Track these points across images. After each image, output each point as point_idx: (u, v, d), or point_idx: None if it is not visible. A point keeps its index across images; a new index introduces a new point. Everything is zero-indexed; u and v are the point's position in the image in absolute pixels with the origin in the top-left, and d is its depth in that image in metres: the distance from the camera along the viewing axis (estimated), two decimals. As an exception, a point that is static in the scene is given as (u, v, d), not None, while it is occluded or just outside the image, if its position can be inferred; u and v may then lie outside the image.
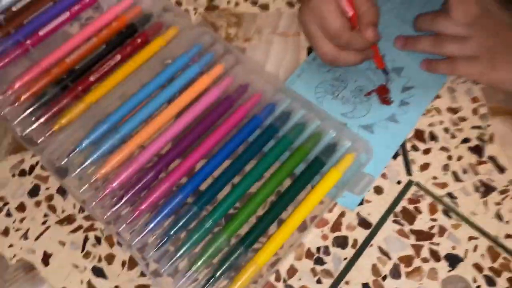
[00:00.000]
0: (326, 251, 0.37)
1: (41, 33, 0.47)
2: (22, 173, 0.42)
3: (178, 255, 0.36)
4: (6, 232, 0.39)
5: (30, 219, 0.39)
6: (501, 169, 0.39)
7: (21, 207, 0.40)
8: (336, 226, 0.38)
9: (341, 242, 0.37)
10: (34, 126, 0.42)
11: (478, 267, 0.36)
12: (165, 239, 0.36)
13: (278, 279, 0.36)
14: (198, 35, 0.46)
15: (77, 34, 0.47)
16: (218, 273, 0.35)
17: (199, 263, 0.35)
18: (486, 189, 0.39)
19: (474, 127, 0.41)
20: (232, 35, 0.48)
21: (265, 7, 0.49)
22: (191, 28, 0.46)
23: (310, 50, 0.46)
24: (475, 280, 0.35)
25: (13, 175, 0.41)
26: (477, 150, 0.40)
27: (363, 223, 0.38)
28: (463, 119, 0.42)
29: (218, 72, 0.44)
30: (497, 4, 0.41)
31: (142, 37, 0.46)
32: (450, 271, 0.36)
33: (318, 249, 0.37)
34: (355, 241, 0.37)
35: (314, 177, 0.39)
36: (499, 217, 0.37)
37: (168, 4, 0.48)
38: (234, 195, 0.38)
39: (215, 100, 0.43)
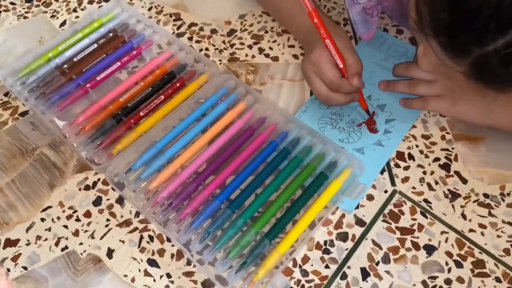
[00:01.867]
0: (332, 244, 0.47)
1: (98, 78, 0.59)
2: (87, 188, 0.52)
3: (216, 247, 0.45)
4: (76, 233, 0.48)
5: (95, 223, 0.49)
6: (464, 181, 0.51)
7: (88, 214, 0.50)
8: (339, 225, 0.48)
9: (343, 237, 0.47)
10: (96, 150, 0.52)
11: (449, 254, 0.46)
12: (206, 235, 0.46)
13: (295, 265, 0.46)
14: (224, 80, 0.58)
15: (128, 78, 0.59)
16: (249, 260, 0.44)
17: (233, 253, 0.45)
18: (453, 195, 0.50)
19: (442, 149, 0.53)
20: (251, 80, 0.60)
21: (275, 59, 0.62)
22: (219, 75, 0.58)
23: (312, 92, 0.59)
24: (447, 264, 0.45)
25: (80, 189, 0.51)
26: (445, 167, 0.52)
27: (359, 222, 0.48)
28: (433, 143, 0.54)
29: (241, 108, 0.56)
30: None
31: (179, 82, 0.58)
32: (427, 257, 0.46)
33: (325, 242, 0.47)
34: (354, 235, 0.47)
35: (319, 188, 0.49)
36: (463, 216, 0.48)
37: (199, 56, 0.61)
38: (258, 202, 0.48)
39: (239, 130, 0.54)
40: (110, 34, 0.63)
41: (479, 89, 0.52)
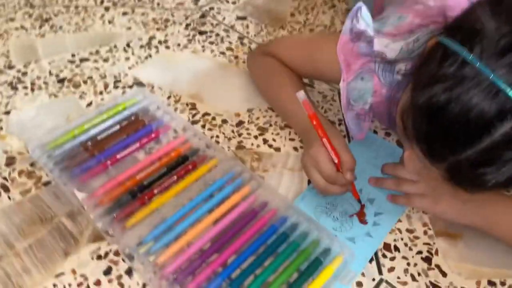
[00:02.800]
0: (323, 327, 0.51)
1: (118, 156, 0.65)
2: (99, 257, 0.55)
3: (216, 323, 0.49)
4: (86, 301, 0.52)
5: (104, 292, 0.52)
6: (444, 274, 0.56)
7: (98, 283, 0.53)
8: (330, 309, 0.52)
9: (334, 321, 0.51)
10: (111, 222, 0.57)
11: None
12: (207, 311, 0.50)
13: None
14: (231, 166, 0.65)
15: (145, 158, 0.65)
16: (246, 338, 0.48)
17: (232, 330, 0.48)
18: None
19: (424, 243, 0.59)
20: (255, 167, 0.67)
21: (278, 149, 0.70)
22: (227, 160, 0.65)
23: (310, 181, 0.65)
24: None
25: (92, 258, 0.55)
26: (427, 260, 0.57)
27: (349, 307, 0.52)
28: (417, 237, 0.59)
29: (245, 192, 0.62)
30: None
31: (191, 164, 0.65)
32: None
33: (317, 325, 0.51)
34: (344, 320, 0.51)
35: (314, 272, 0.54)
36: (444, 308, 0.53)
37: (210, 142, 0.68)
38: (257, 282, 0.52)
39: (243, 212, 0.60)
40: (132, 118, 0.71)
41: (456, 191, 0.59)
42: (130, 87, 0.79)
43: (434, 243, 0.59)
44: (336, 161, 0.59)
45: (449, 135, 0.43)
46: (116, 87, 0.79)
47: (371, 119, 0.66)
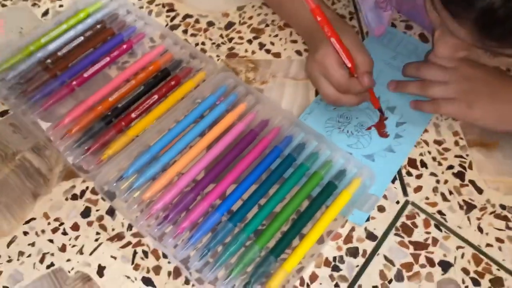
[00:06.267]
0: (341, 260, 0.44)
1: (85, 74, 0.54)
2: (74, 197, 0.47)
3: (217, 265, 0.42)
4: (63, 248, 0.44)
5: (84, 237, 0.45)
6: (479, 191, 0.48)
7: (75, 227, 0.45)
8: (348, 239, 0.45)
9: (353, 252, 0.44)
10: (84, 156, 0.48)
11: (465, 271, 0.43)
12: (205, 252, 0.42)
13: (302, 284, 0.43)
14: (223, 79, 0.54)
15: (118, 76, 0.54)
16: (253, 279, 0.41)
17: (236, 271, 0.41)
18: (468, 207, 0.47)
19: (456, 156, 0.50)
20: (251, 78, 0.56)
21: (277, 55, 0.58)
22: (217, 73, 0.54)
23: (317, 92, 0.55)
24: (463, 282, 0.43)
25: (66, 199, 0.47)
26: (459, 175, 0.49)
27: (370, 236, 0.45)
28: (447, 149, 0.50)
29: (241, 110, 0.52)
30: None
31: (175, 80, 0.54)
32: (443, 274, 0.43)
33: (334, 258, 0.44)
34: (365, 251, 0.44)
35: (328, 198, 0.46)
36: (480, 229, 0.45)
37: (195, 51, 0.56)
38: (262, 213, 0.45)
39: (240, 134, 0.50)
40: (98, 26, 0.58)
41: (496, 93, 0.49)
42: (93, -12, 0.65)
43: (467, 155, 0.50)
44: (349, 64, 0.48)
45: None
46: (76, -11, 0.65)
47: (392, 7, 0.54)
